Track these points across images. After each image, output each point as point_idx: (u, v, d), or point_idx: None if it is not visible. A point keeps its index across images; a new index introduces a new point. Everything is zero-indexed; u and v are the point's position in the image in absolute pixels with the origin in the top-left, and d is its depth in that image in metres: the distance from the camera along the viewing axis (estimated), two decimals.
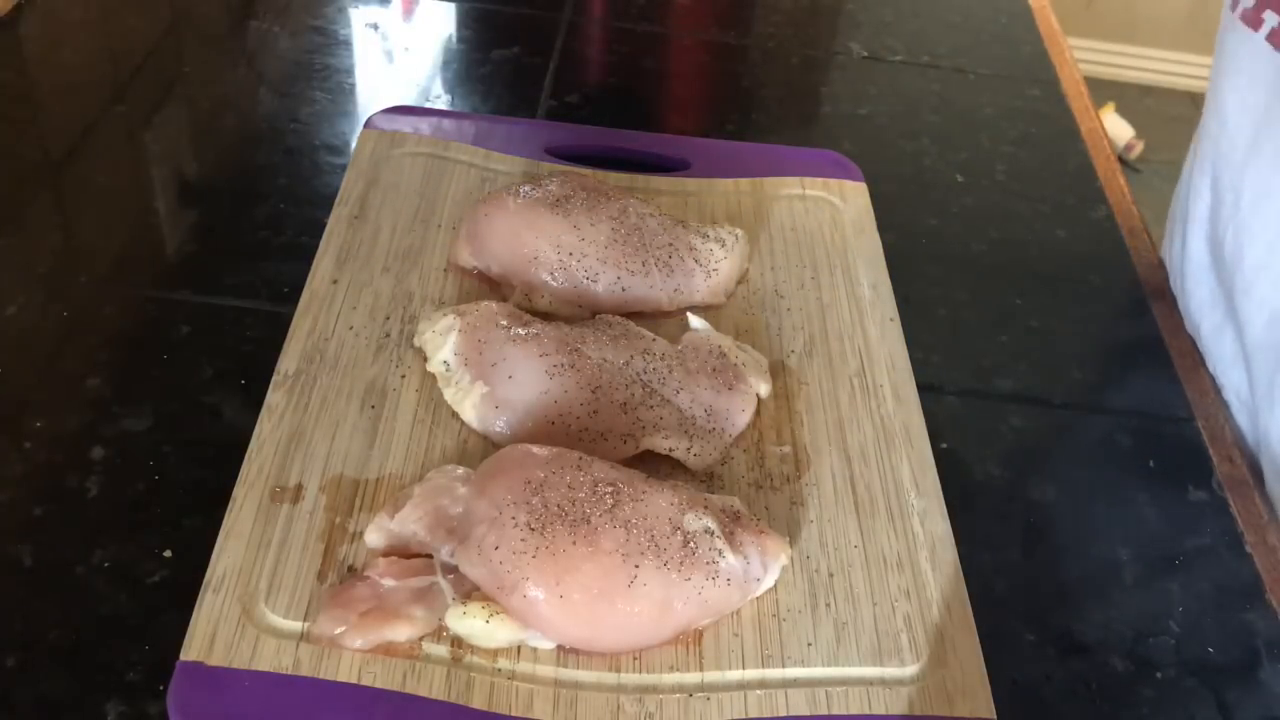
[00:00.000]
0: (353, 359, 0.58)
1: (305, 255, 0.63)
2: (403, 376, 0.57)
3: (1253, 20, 0.64)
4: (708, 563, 0.48)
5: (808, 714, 0.46)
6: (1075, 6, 2.51)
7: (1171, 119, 2.59)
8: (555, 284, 0.61)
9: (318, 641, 0.46)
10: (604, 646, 0.47)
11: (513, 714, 0.45)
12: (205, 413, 0.57)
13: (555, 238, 0.61)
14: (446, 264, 0.64)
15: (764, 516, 0.53)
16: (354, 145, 0.71)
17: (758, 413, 0.58)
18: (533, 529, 0.46)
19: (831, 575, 0.51)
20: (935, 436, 0.58)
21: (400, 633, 0.46)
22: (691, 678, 0.47)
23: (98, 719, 0.45)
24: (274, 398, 0.55)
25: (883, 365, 0.62)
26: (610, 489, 0.48)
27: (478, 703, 0.45)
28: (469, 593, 0.47)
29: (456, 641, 0.47)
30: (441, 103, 0.83)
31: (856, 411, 0.59)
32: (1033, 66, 0.96)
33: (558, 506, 0.47)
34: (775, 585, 0.50)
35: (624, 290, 0.62)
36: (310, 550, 0.49)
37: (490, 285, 0.63)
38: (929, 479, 0.56)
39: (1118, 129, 2.43)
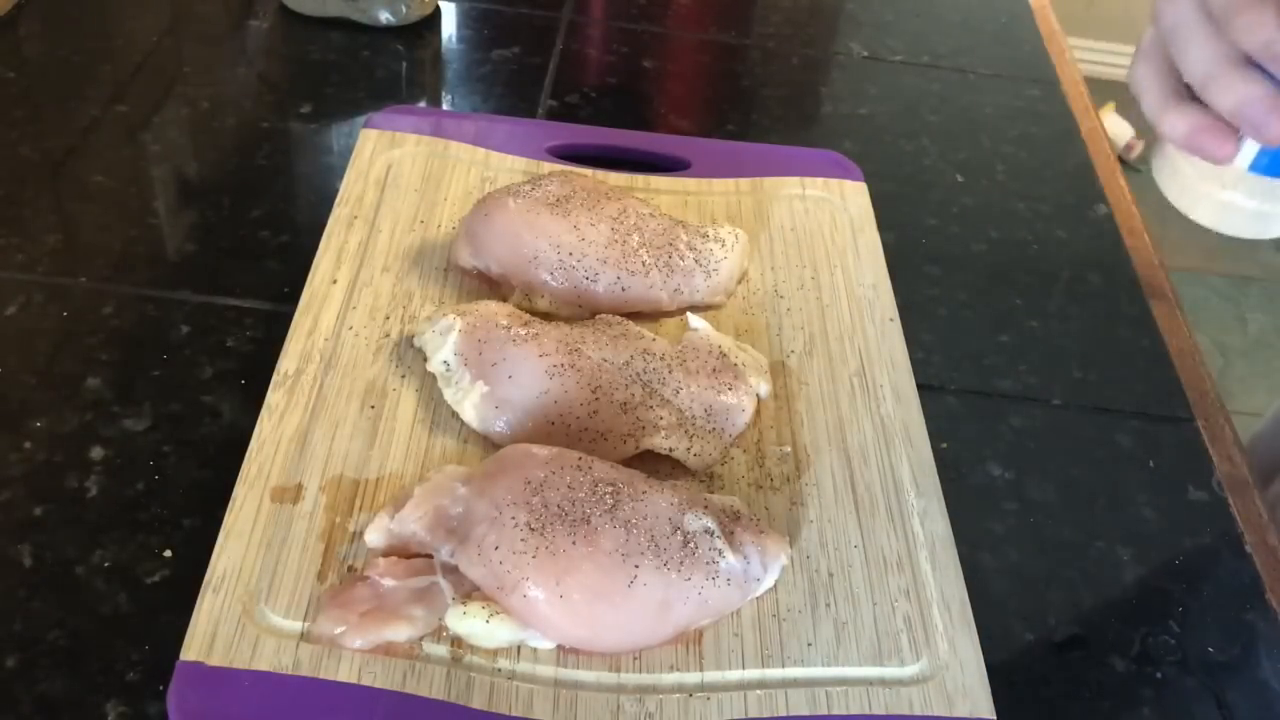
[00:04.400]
0: (353, 359, 0.58)
1: (305, 255, 0.63)
2: (403, 376, 0.57)
3: None
4: (708, 563, 0.48)
5: (808, 714, 0.46)
6: (1075, 6, 2.51)
7: None
8: (555, 284, 0.61)
9: (318, 641, 0.46)
10: (604, 646, 0.47)
11: (513, 714, 0.45)
12: (205, 413, 0.57)
13: (555, 238, 0.61)
14: (446, 264, 0.64)
15: (764, 516, 0.53)
16: (354, 145, 0.71)
17: (758, 413, 0.58)
18: (533, 529, 0.46)
19: (831, 575, 0.51)
20: (935, 436, 0.58)
21: (400, 633, 0.46)
22: (691, 678, 0.47)
23: (98, 719, 0.45)
24: (274, 398, 0.55)
25: (883, 365, 0.62)
26: (610, 489, 0.48)
27: (478, 703, 0.45)
28: (469, 593, 0.47)
29: (456, 641, 0.47)
30: (442, 103, 0.83)
31: (856, 411, 0.59)
32: (1033, 66, 0.96)
33: (558, 506, 0.47)
34: (775, 585, 0.50)
35: (624, 290, 0.61)
36: (310, 550, 0.49)
37: (490, 285, 0.63)
38: (929, 479, 0.56)
39: (1118, 129, 2.44)
